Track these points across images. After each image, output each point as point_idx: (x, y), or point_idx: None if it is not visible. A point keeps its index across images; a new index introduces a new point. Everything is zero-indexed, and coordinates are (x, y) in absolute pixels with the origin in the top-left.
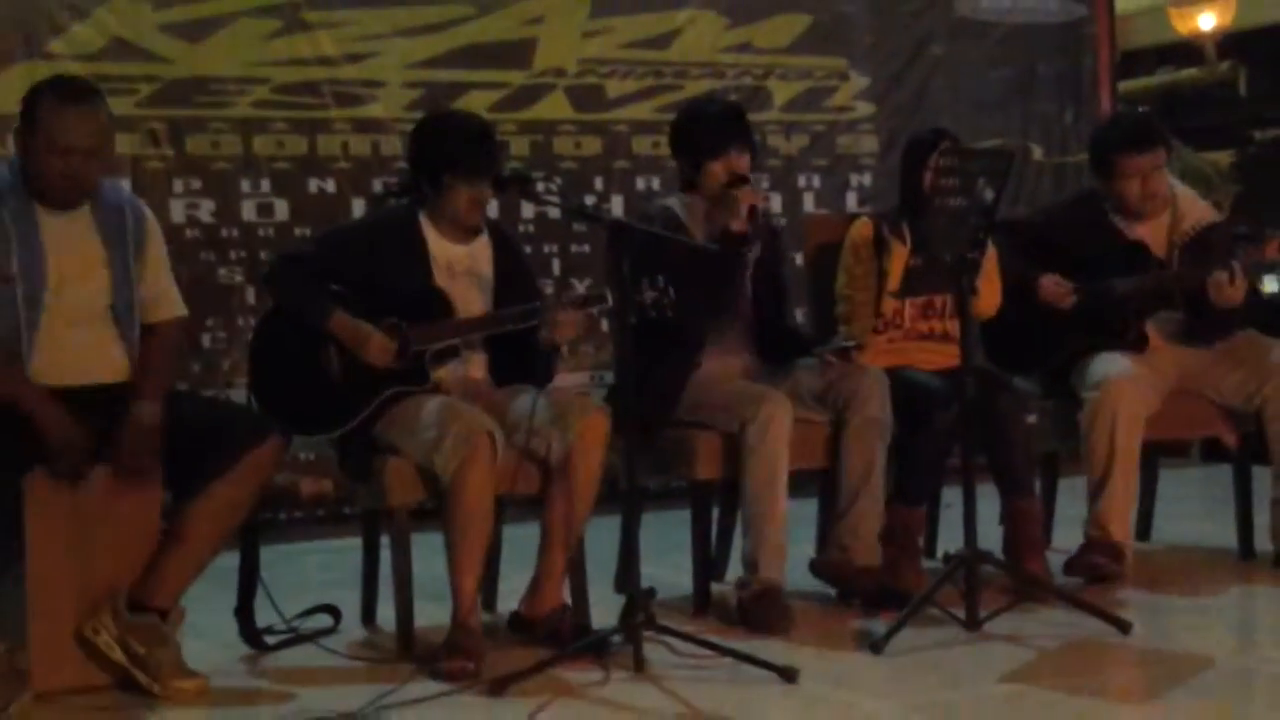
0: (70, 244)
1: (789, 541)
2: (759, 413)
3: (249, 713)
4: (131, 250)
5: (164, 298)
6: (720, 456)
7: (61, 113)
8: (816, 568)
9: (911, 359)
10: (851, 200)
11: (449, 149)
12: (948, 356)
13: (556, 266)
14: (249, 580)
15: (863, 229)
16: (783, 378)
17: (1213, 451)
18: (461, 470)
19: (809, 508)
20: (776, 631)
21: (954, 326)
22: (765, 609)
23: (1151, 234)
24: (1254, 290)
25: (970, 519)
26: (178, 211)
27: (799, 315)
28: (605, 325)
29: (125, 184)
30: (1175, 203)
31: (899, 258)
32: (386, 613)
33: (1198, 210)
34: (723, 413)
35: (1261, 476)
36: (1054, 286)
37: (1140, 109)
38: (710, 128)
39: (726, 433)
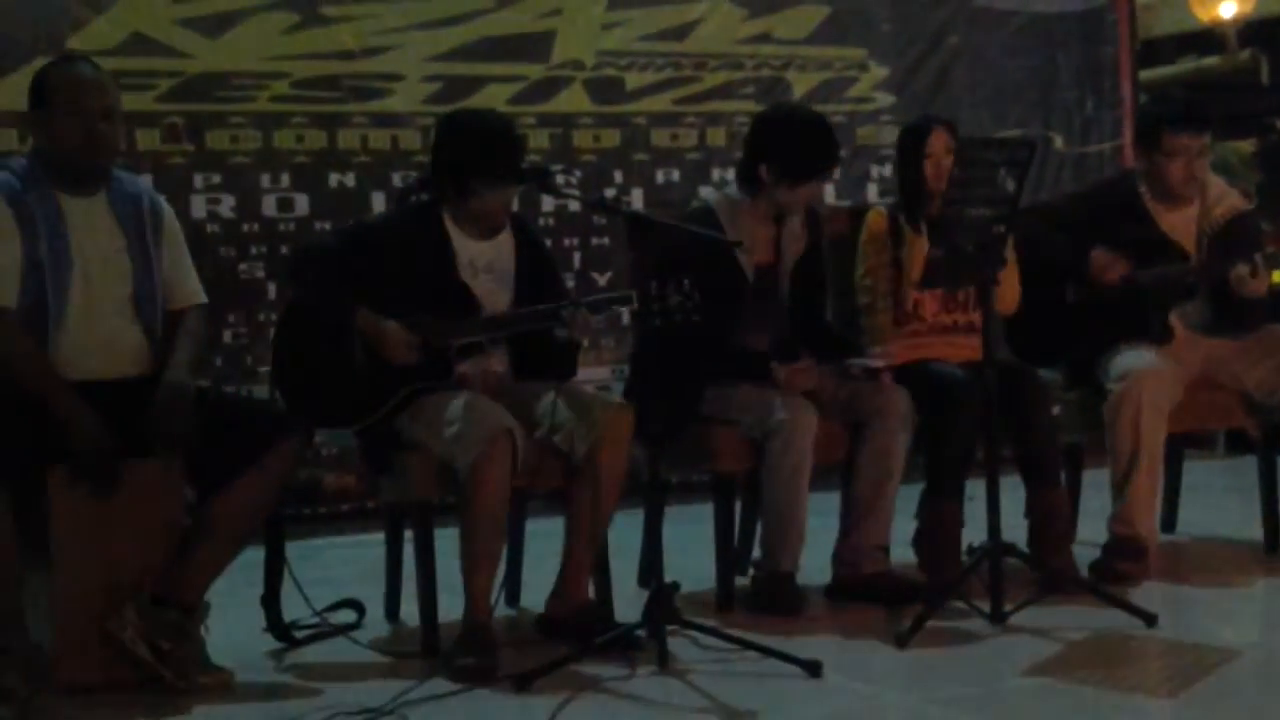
0: (92, 230)
1: (812, 533)
2: (784, 423)
3: (273, 708)
4: (150, 238)
5: (184, 284)
6: (743, 451)
7: (71, 75)
8: (833, 592)
9: (936, 353)
10: (872, 191)
11: (473, 153)
12: (972, 349)
13: (577, 260)
14: (275, 573)
15: (878, 219)
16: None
17: (1238, 443)
18: (479, 467)
19: (830, 500)
20: (783, 614)
21: (978, 319)
22: (775, 592)
23: (1182, 222)
24: None
25: (994, 511)
26: (198, 207)
27: None
28: (627, 319)
29: (146, 179)
30: (1206, 191)
31: (917, 248)
32: (410, 608)
33: (1228, 200)
34: (747, 414)
35: None
36: (1106, 258)
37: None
38: (818, 154)
39: (749, 437)
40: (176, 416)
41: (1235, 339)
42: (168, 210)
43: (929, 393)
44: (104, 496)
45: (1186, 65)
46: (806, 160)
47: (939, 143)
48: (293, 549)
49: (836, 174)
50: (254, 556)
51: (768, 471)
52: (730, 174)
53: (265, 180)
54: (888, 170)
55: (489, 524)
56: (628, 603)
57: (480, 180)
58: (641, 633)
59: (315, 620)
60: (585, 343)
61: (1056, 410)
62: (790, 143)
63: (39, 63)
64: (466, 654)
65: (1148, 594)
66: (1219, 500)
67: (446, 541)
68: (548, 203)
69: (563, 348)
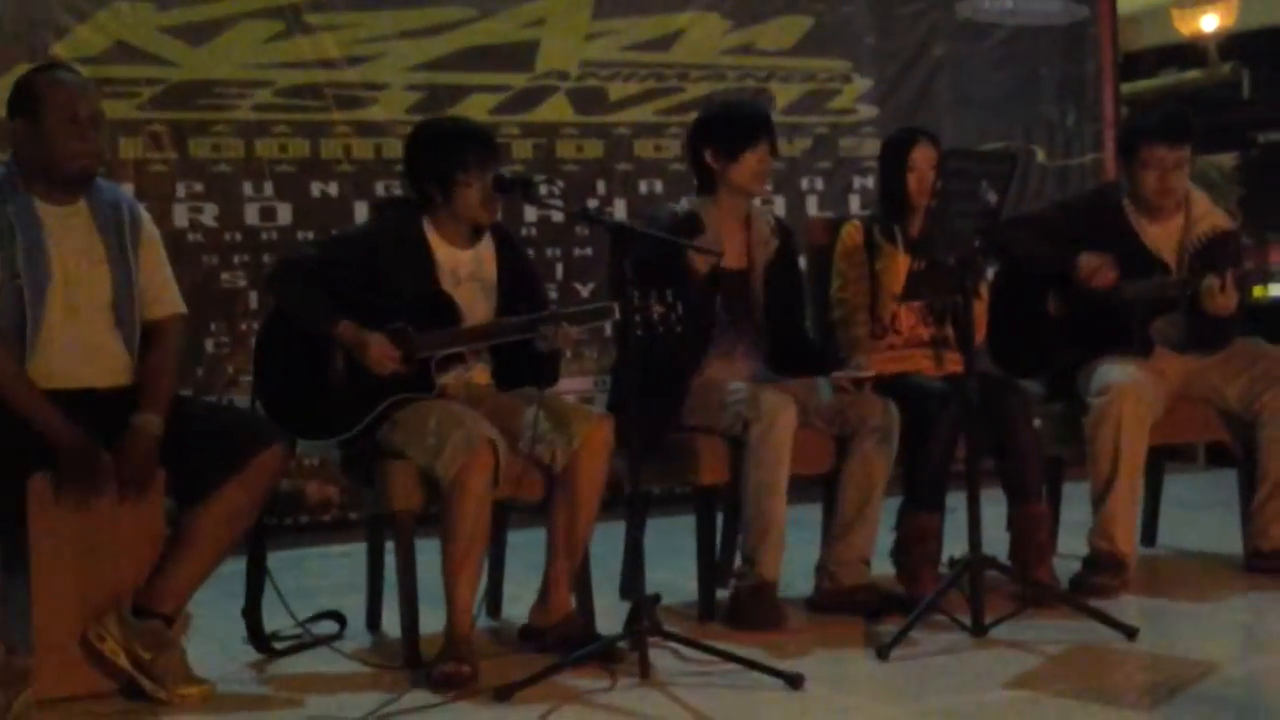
0: (71, 239)
1: (794, 546)
2: (763, 412)
3: (254, 718)
4: (129, 246)
5: (162, 294)
6: (725, 461)
7: (64, 83)
8: (816, 604)
9: (916, 366)
10: (854, 203)
11: (456, 149)
12: (952, 363)
13: (559, 270)
14: (256, 584)
15: (852, 233)
16: (794, 387)
17: (1218, 456)
18: (461, 477)
19: (813, 513)
20: (764, 628)
21: (953, 333)
22: (757, 604)
23: (1164, 235)
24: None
25: (975, 524)
26: (180, 215)
27: None
28: (609, 330)
29: (129, 188)
30: (1190, 207)
31: (893, 260)
32: (392, 619)
33: (1212, 218)
34: (725, 413)
35: None
36: (1095, 260)
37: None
38: (745, 121)
39: (729, 434)
40: (145, 466)
41: (1208, 356)
42: (146, 218)
43: (907, 405)
44: (95, 497)
45: (1168, 79)
46: (738, 127)
47: (923, 157)
48: (274, 560)
49: (813, 182)
50: (235, 567)
51: (746, 464)
52: None
53: (248, 189)
54: (870, 182)
55: (471, 535)
56: (609, 614)
57: (468, 173)
58: (623, 644)
59: (296, 631)
60: (568, 353)
61: (1038, 423)
62: (719, 118)
63: (20, 70)
64: (448, 665)
65: (1127, 607)
66: (1199, 514)
67: (428, 552)
68: (530, 213)
69: (545, 356)
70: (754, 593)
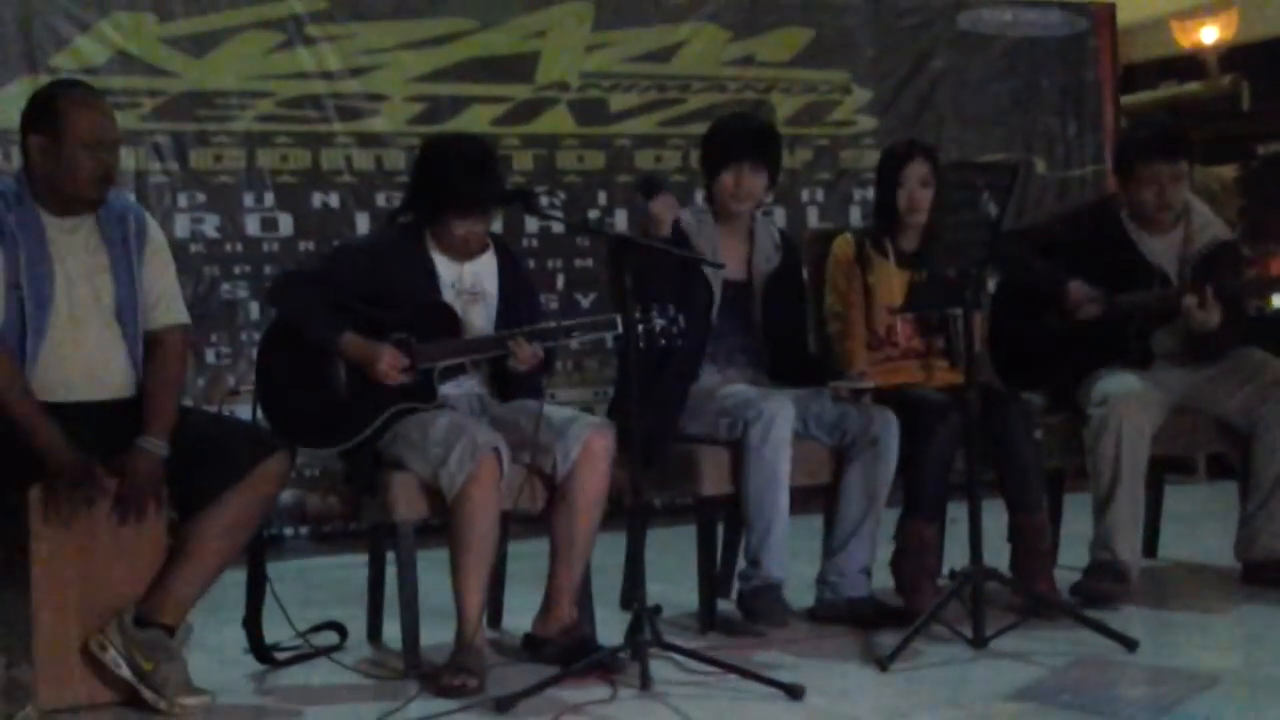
0: (75, 250)
1: (794, 557)
2: (761, 413)
3: None
4: (135, 255)
5: (167, 304)
6: (726, 472)
7: (92, 108)
8: (816, 615)
9: (911, 377)
10: (855, 214)
11: (443, 183)
12: (949, 374)
13: (560, 281)
14: (257, 594)
15: (844, 246)
16: (794, 397)
17: (1219, 468)
18: (467, 487)
19: (814, 523)
20: (771, 624)
21: (948, 343)
22: (763, 603)
23: (1164, 248)
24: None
25: (976, 535)
26: (182, 226)
27: None
28: (610, 342)
29: (129, 196)
30: (1190, 218)
31: (885, 273)
32: (393, 630)
33: (1212, 229)
34: (724, 418)
35: None
36: (1081, 293)
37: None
38: (726, 139)
39: (729, 439)
40: (148, 490)
41: (1209, 365)
42: (153, 226)
43: (907, 416)
44: (87, 514)
45: (1168, 91)
46: (716, 146)
47: (915, 173)
48: (275, 570)
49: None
50: (236, 578)
51: (746, 466)
52: None
53: (249, 200)
54: (870, 194)
55: (481, 543)
56: (610, 625)
57: (450, 211)
58: (624, 655)
59: (297, 642)
60: (569, 363)
61: (1038, 434)
62: (708, 134)
63: (24, 81)
64: (456, 678)
65: (1129, 618)
66: (1200, 525)
67: (429, 563)
68: (531, 224)
69: (525, 375)
70: (760, 593)
